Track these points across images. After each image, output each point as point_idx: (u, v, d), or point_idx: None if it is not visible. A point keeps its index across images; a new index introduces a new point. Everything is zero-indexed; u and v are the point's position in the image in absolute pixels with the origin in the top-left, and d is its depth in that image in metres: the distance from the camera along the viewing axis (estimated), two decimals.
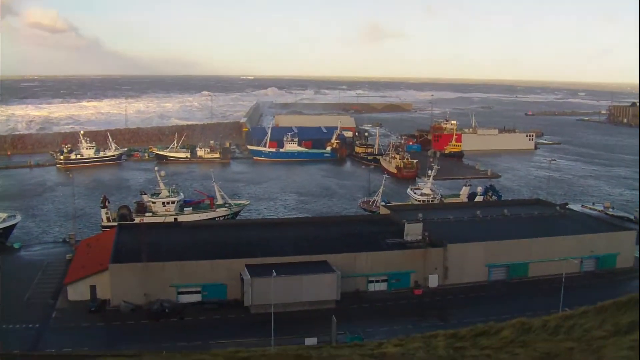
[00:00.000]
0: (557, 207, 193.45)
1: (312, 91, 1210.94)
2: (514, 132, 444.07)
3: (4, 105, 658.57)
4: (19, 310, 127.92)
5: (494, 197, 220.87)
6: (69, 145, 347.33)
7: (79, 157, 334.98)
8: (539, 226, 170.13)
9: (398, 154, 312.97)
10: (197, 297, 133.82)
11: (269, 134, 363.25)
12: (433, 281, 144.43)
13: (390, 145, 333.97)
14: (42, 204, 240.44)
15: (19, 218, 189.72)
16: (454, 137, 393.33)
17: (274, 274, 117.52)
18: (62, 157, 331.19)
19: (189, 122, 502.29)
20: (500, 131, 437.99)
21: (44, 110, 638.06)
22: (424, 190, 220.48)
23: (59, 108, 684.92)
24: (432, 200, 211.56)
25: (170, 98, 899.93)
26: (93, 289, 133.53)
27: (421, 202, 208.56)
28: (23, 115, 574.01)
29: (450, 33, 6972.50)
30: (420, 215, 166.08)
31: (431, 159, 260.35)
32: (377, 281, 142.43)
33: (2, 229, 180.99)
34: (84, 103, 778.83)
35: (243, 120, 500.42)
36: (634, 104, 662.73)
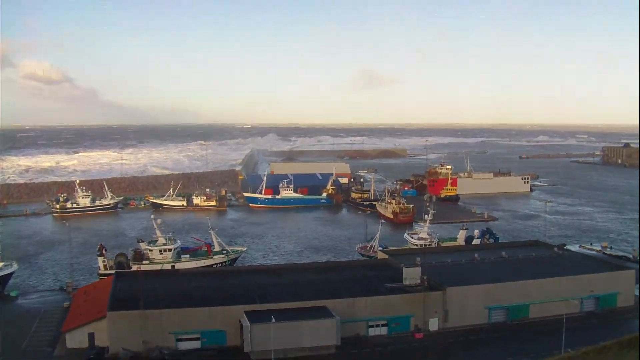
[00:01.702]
0: (555, 248, 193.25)
1: (307, 139, 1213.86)
2: (509, 175, 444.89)
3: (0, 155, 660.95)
4: (17, 359, 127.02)
5: (491, 240, 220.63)
6: (65, 195, 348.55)
7: (75, 206, 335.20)
8: (538, 267, 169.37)
9: (394, 199, 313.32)
10: (196, 344, 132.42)
11: (264, 181, 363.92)
12: (433, 324, 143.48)
13: (386, 190, 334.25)
14: (38, 253, 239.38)
15: (15, 267, 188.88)
16: (449, 181, 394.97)
17: (273, 320, 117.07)
18: (58, 206, 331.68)
19: (185, 171, 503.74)
20: (496, 174, 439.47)
21: (40, 160, 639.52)
22: (421, 234, 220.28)
23: (55, 158, 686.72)
24: (429, 244, 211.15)
25: (166, 147, 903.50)
26: (91, 336, 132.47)
27: (418, 247, 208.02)
28: (19, 165, 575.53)
29: (442, 78, 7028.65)
30: (418, 259, 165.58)
31: (427, 204, 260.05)
32: (377, 325, 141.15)
33: None
34: (80, 153, 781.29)
35: (238, 168, 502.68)
36: (627, 144, 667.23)
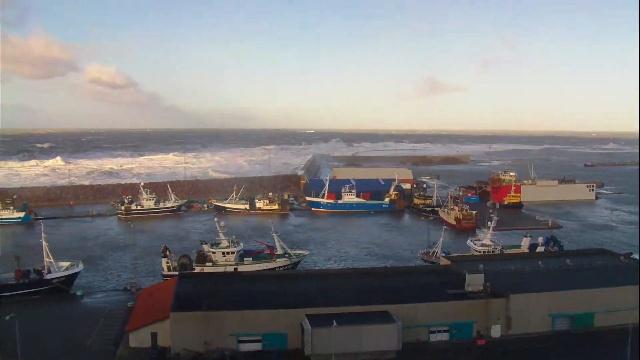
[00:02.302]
0: (621, 257, 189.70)
1: (370, 144, 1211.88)
2: (574, 182, 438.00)
3: (66, 158, 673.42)
4: (81, 357, 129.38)
5: (556, 248, 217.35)
6: (130, 196, 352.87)
7: (139, 207, 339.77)
8: (603, 276, 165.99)
9: (457, 205, 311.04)
10: (257, 346, 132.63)
11: (327, 186, 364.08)
12: (496, 331, 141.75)
13: (449, 196, 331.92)
14: (103, 253, 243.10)
15: (81, 266, 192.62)
16: (513, 188, 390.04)
17: (335, 323, 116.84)
18: (122, 207, 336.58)
19: (248, 175, 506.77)
20: (560, 182, 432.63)
21: (105, 163, 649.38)
22: (484, 241, 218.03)
23: (120, 161, 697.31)
24: (492, 251, 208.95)
25: (230, 151, 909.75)
26: (154, 336, 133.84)
27: (481, 253, 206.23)
28: (85, 167, 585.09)
29: (506, 85, 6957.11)
30: (481, 266, 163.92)
31: (490, 210, 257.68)
32: (439, 331, 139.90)
33: (65, 277, 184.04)
34: (145, 156, 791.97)
35: (301, 172, 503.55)
36: None
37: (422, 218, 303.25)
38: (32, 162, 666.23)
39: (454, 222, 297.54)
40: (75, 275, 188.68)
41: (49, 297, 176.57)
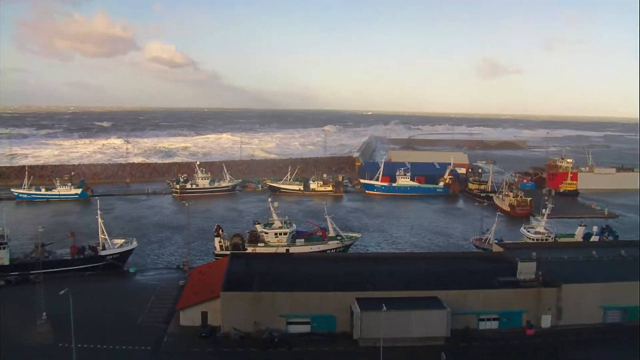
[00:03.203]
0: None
1: (426, 127, 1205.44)
2: (633, 171, 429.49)
3: (124, 136, 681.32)
4: (132, 333, 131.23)
5: (611, 238, 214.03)
6: (185, 175, 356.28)
7: (194, 186, 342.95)
8: None
9: (512, 191, 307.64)
10: (306, 328, 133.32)
11: (381, 169, 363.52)
12: (546, 321, 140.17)
13: (504, 182, 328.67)
14: (157, 231, 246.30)
15: (135, 244, 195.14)
16: (570, 175, 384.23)
17: (384, 308, 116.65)
18: (178, 186, 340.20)
19: (303, 156, 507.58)
20: (618, 170, 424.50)
21: (162, 141, 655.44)
22: (538, 229, 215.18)
23: (177, 139, 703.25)
24: (546, 240, 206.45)
25: (286, 132, 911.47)
26: (204, 315, 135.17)
27: (535, 241, 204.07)
28: (142, 146, 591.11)
29: (567, 69, 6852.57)
30: (533, 254, 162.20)
31: (545, 197, 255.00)
32: (488, 319, 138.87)
33: (119, 253, 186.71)
34: (202, 135, 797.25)
35: (356, 154, 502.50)
36: None
37: (476, 203, 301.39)
38: (91, 140, 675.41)
39: (508, 209, 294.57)
40: (129, 252, 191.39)
41: (102, 274, 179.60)
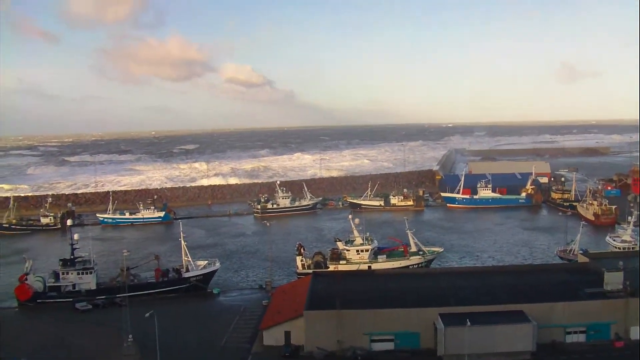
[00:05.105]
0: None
1: (505, 137, 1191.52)
2: None
3: (206, 158, 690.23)
4: (216, 353, 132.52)
5: None
6: (266, 195, 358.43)
7: (275, 206, 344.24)
8: None
9: (596, 199, 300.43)
10: (389, 346, 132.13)
11: (462, 181, 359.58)
12: (635, 333, 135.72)
13: (588, 190, 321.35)
14: (240, 252, 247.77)
15: (218, 265, 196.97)
16: None
17: (468, 323, 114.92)
18: (259, 206, 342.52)
19: (382, 171, 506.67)
20: None
21: (242, 163, 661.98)
22: (624, 237, 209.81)
23: (256, 160, 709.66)
24: (632, 248, 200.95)
25: (365, 147, 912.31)
26: (287, 334, 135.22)
27: (621, 250, 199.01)
28: (223, 167, 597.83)
29: None
30: (620, 263, 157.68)
31: (631, 205, 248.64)
32: (575, 332, 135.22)
33: (202, 275, 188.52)
34: (282, 154, 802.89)
35: (436, 168, 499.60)
36: None
37: (560, 213, 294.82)
38: (172, 163, 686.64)
39: (592, 218, 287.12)
40: (212, 273, 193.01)
41: (186, 295, 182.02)
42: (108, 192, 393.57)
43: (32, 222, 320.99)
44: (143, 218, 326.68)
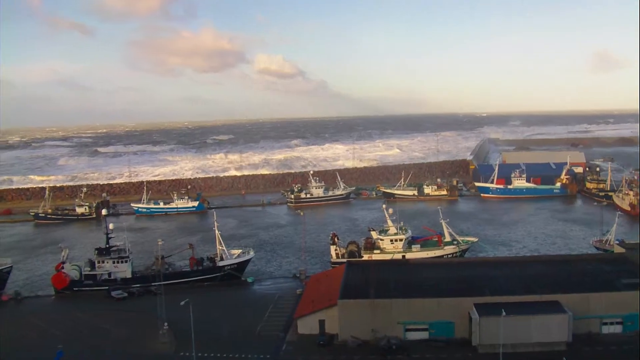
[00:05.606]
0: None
1: (540, 127, 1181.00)
2: None
3: (239, 148, 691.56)
4: (251, 342, 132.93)
5: None
6: (299, 185, 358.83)
7: (308, 196, 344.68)
8: None
9: (632, 190, 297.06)
10: (424, 335, 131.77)
11: (496, 171, 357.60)
12: None
13: (624, 180, 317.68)
14: (273, 241, 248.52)
15: (252, 254, 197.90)
16: None
17: (504, 313, 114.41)
18: (292, 196, 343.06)
19: (416, 161, 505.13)
20: None
21: (276, 152, 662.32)
22: None
23: (289, 149, 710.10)
24: None
25: (399, 137, 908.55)
26: (322, 323, 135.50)
27: None
28: (256, 157, 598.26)
29: None
30: None
31: None
32: (612, 323, 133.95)
33: (236, 264, 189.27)
34: (315, 144, 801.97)
35: (470, 157, 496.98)
36: None
37: (595, 203, 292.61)
38: (206, 154, 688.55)
39: (628, 208, 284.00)
40: (246, 262, 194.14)
41: (221, 284, 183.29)
42: (142, 182, 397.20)
43: (67, 211, 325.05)
44: (177, 208, 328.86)
